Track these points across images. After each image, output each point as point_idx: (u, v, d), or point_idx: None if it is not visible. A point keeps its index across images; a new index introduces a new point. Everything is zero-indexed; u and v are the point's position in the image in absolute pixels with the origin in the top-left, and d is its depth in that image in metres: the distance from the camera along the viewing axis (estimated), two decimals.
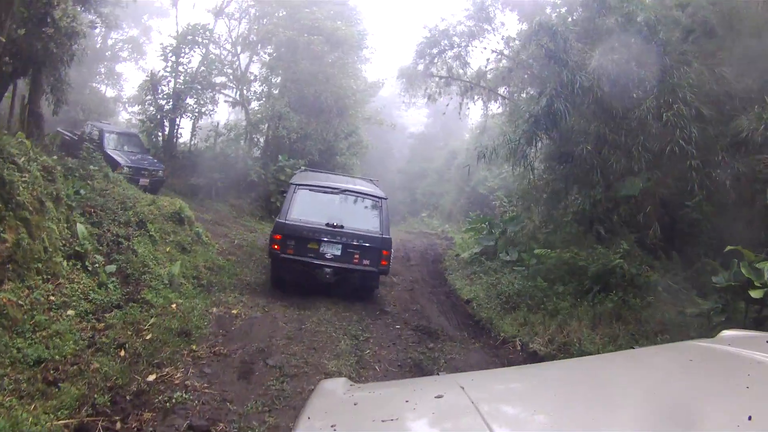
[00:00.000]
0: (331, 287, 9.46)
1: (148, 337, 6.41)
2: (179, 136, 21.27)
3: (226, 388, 5.51)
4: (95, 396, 5.01)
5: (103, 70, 35.32)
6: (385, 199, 10.11)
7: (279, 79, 20.87)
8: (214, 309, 8.16)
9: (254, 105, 21.74)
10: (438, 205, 34.61)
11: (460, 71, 15.73)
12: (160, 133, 20.67)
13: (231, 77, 22.77)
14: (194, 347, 6.48)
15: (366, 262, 9.30)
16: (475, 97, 18.08)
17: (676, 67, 8.76)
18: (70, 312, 6.56)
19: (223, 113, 28.45)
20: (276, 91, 20.83)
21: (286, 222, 9.34)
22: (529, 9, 15.40)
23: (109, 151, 16.84)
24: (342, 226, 9.31)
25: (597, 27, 10.00)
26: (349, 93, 20.69)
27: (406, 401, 1.80)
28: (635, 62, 8.96)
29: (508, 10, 16.18)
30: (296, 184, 10.02)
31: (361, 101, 22.42)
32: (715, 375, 1.94)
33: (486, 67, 15.88)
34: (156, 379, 5.55)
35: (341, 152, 21.66)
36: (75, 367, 5.46)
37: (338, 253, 9.27)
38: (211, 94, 21.13)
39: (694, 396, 1.72)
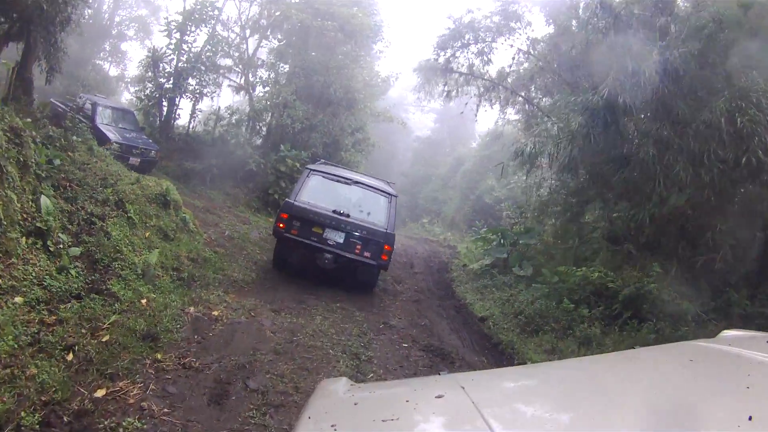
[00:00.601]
0: (329, 277, 9.44)
1: (104, 339, 5.26)
2: (177, 117, 20.11)
3: (191, 416, 4.35)
4: (22, 414, 3.89)
5: (108, 47, 34.40)
6: (395, 196, 10.10)
7: (287, 67, 19.70)
8: (192, 309, 6.99)
9: (259, 91, 20.59)
10: (440, 212, 33.68)
11: (482, 69, 14.66)
12: (157, 113, 19.51)
13: (237, 61, 21.66)
14: (160, 356, 5.29)
15: (367, 254, 9.30)
16: (493, 100, 17.05)
17: (743, 70, 7.66)
18: (18, 299, 5.44)
19: (226, 99, 27.36)
20: (283, 79, 19.65)
21: (294, 203, 9.49)
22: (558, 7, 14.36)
23: (100, 125, 15.76)
24: (348, 215, 9.41)
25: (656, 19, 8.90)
26: (360, 86, 19.56)
27: (407, 401, 1.78)
28: (700, 59, 7.88)
29: (537, 9, 15.12)
30: (311, 169, 10.29)
31: (372, 96, 21.28)
32: (715, 375, 1.92)
33: (510, 68, 14.79)
34: (106, 395, 4.40)
35: (346, 148, 20.52)
36: (7, 370, 4.35)
37: (341, 240, 9.31)
38: (215, 76, 19.97)
39: (694, 396, 1.70)
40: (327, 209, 9.43)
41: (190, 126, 19.89)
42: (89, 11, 32.13)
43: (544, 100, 15.84)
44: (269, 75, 20.31)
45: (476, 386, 1.86)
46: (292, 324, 7.13)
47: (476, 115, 16.50)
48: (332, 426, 1.58)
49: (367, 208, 9.74)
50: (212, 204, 15.20)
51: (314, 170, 10.24)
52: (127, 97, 32.48)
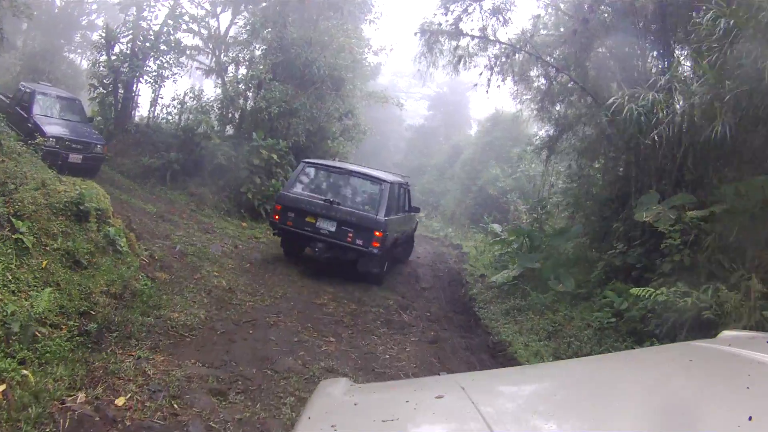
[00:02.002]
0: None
1: None
2: (137, 106, 17.27)
3: None
4: None
5: (78, 38, 31.64)
6: (389, 183, 9.91)
7: (262, 44, 16.77)
8: (81, 396, 4.27)
9: (231, 72, 17.65)
10: (438, 205, 31.14)
11: (497, 32, 11.93)
12: (113, 102, 16.65)
13: (206, 40, 18.77)
14: None
15: (359, 241, 9.23)
16: (506, 73, 14.30)
17: None
18: None
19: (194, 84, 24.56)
20: (258, 57, 16.73)
21: (287, 194, 9.77)
22: None
23: (36, 117, 13.14)
24: (338, 203, 9.43)
25: None
26: (348, 64, 16.69)
27: (407, 401, 1.75)
28: None
29: None
30: (305, 162, 10.51)
31: (362, 76, 18.42)
32: (715, 375, 1.88)
33: (537, 23, 11.95)
34: None
35: (333, 136, 17.68)
36: None
37: (333, 229, 9.34)
38: (178, 56, 17.06)
39: (694, 396, 1.69)
40: (319, 198, 9.51)
41: (151, 115, 16.98)
42: None
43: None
44: (242, 53, 17.35)
45: (476, 386, 1.85)
46: (244, 420, 4.34)
47: (488, 91, 13.68)
48: (332, 426, 1.54)
49: (359, 195, 9.80)
50: (171, 208, 12.42)
51: (308, 162, 10.47)
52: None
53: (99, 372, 4.79)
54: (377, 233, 9.16)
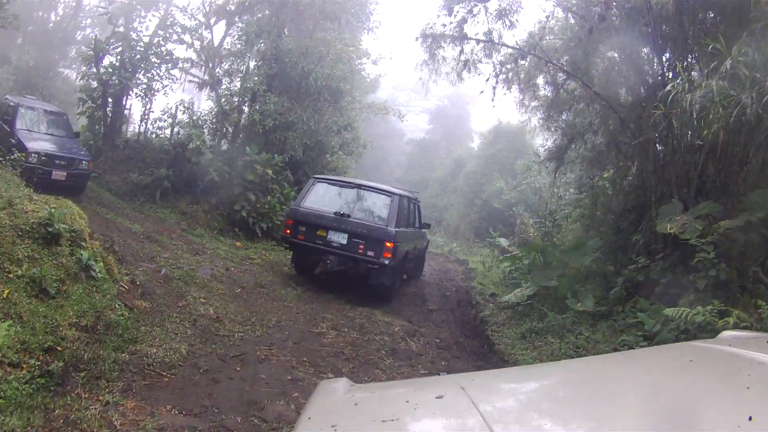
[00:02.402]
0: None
1: None
2: (127, 120, 16.60)
3: None
4: None
5: (74, 53, 31.16)
6: (398, 195, 10.05)
7: (257, 55, 16.10)
8: None
9: (226, 85, 16.93)
10: (441, 220, 30.45)
11: (504, 34, 11.29)
12: (102, 117, 15.98)
13: (199, 51, 18.10)
14: None
15: (370, 253, 9.21)
16: (511, 81, 13.68)
17: None
18: None
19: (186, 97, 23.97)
20: (253, 66, 16.06)
21: (298, 208, 9.85)
22: None
23: (19, 131, 12.50)
24: (349, 216, 9.48)
25: None
26: (346, 75, 16.01)
27: (407, 401, 1.76)
28: None
29: None
30: (315, 177, 10.71)
31: (361, 87, 17.74)
32: (715, 375, 1.88)
33: (545, 25, 11.26)
34: None
35: (332, 150, 16.97)
36: None
37: (344, 241, 9.37)
38: (169, 68, 16.39)
39: (694, 396, 1.69)
40: (329, 212, 9.58)
41: (141, 130, 16.29)
42: (42, 14, 29.26)
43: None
44: (236, 64, 16.67)
45: (476, 386, 1.83)
46: None
47: (493, 99, 13.04)
48: (332, 426, 1.54)
49: (368, 208, 9.83)
50: (160, 227, 11.70)
51: (318, 178, 10.65)
52: None
53: (59, 421, 4.09)
54: (388, 244, 9.16)
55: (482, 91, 11.58)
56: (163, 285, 7.78)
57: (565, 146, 13.78)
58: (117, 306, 6.52)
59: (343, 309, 8.46)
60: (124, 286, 7.27)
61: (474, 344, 8.08)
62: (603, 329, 7.74)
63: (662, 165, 9.90)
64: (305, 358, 6.03)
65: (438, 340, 7.89)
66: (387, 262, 9.13)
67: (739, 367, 1.81)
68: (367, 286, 9.55)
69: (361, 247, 9.23)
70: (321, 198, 9.97)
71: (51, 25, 30.27)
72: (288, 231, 9.74)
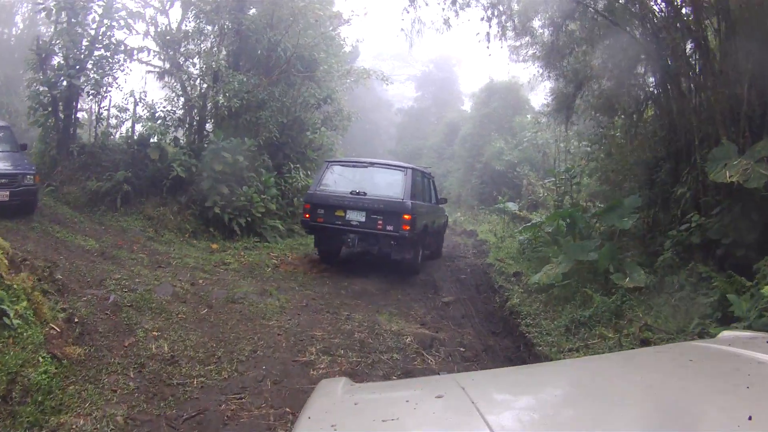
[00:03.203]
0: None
1: None
2: (82, 124, 14.86)
3: None
4: None
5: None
6: (411, 169, 10.22)
7: (216, 31, 14.27)
8: None
9: (187, 70, 15.07)
10: (441, 189, 28.80)
11: None
12: (53, 123, 14.20)
13: (156, 39, 16.23)
14: None
15: (389, 227, 9.39)
16: (505, 28, 12.15)
17: None
18: None
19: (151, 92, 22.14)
20: (211, 44, 14.24)
21: (315, 192, 10.07)
22: None
23: None
24: (365, 193, 9.68)
25: None
26: (318, 42, 14.19)
27: (407, 401, 1.73)
28: None
29: None
30: (328, 161, 10.99)
31: (339, 58, 15.85)
32: (715, 375, 1.84)
33: None
34: None
35: (314, 127, 15.21)
36: None
37: (363, 219, 9.58)
38: (123, 59, 14.58)
39: (694, 396, 1.66)
40: (345, 192, 9.78)
41: (97, 132, 14.48)
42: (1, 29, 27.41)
43: None
44: (194, 43, 14.81)
45: (476, 386, 1.79)
46: None
47: (488, 47, 11.51)
48: (332, 426, 1.51)
49: (383, 184, 9.97)
50: (119, 240, 10.06)
51: (331, 161, 10.92)
52: None
53: None
54: (406, 216, 9.33)
55: (478, 33, 10.17)
56: (109, 317, 6.17)
57: (572, 93, 12.33)
58: (41, 359, 4.92)
59: (336, 320, 6.77)
60: (55, 329, 5.65)
61: (507, 346, 6.40)
62: (665, 312, 6.14)
63: (701, 102, 8.32)
64: (289, 408, 4.41)
65: (462, 348, 6.18)
66: (407, 234, 9.31)
67: (739, 367, 1.76)
68: (390, 262, 9.82)
69: (380, 222, 9.44)
70: (336, 180, 10.16)
71: (13, 40, 28.39)
72: (307, 215, 9.90)
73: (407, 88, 47.08)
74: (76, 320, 5.94)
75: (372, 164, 10.51)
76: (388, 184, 9.95)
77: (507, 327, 7.14)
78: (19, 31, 28.46)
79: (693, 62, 8.57)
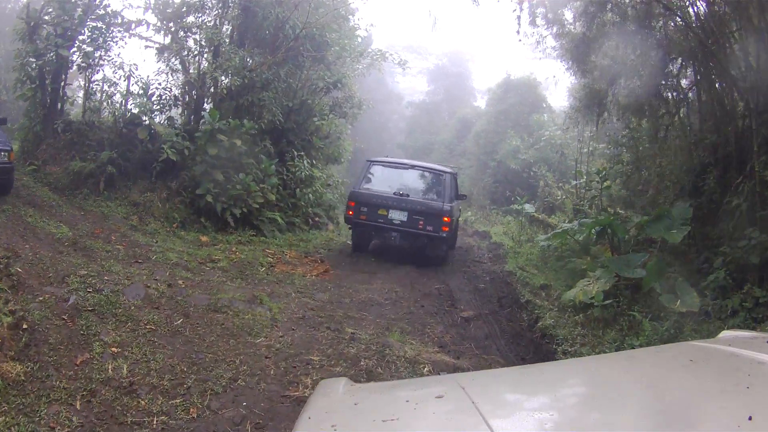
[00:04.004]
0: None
1: None
2: (65, 99, 13.78)
3: None
4: None
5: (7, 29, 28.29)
6: (450, 173, 11.23)
7: (220, 2, 13.16)
8: None
9: (189, 46, 13.98)
10: None
11: None
12: (40, 98, 13.13)
13: (157, 12, 15.14)
14: None
15: (429, 228, 10.08)
16: (535, 15, 11.48)
17: None
18: None
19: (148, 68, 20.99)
20: (213, 17, 13.12)
21: (359, 191, 10.70)
22: None
23: None
24: (408, 195, 10.37)
25: None
26: (330, 20, 13.07)
27: (407, 401, 1.71)
28: None
29: None
30: (370, 160, 11.54)
31: (351, 35, 14.74)
32: (715, 375, 1.81)
33: None
34: None
35: (321, 112, 14.09)
36: None
37: (404, 219, 10.22)
38: (120, 32, 13.50)
39: (694, 396, 1.63)
40: (389, 192, 10.45)
41: (86, 109, 13.38)
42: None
43: None
44: (195, 16, 13.71)
45: (476, 386, 1.79)
46: None
47: (518, 32, 10.89)
48: (332, 426, 1.51)
49: (424, 187, 10.80)
50: (98, 227, 9.00)
51: (374, 161, 11.46)
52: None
53: None
54: (445, 219, 10.11)
55: (514, 10, 9.26)
56: (65, 323, 5.10)
57: (605, 89, 11.46)
58: None
59: (339, 341, 5.63)
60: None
61: None
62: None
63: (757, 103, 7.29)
64: None
65: None
66: (445, 235, 10.20)
67: (739, 367, 1.74)
68: (424, 257, 10.36)
69: (421, 223, 10.11)
70: (378, 179, 10.83)
71: (7, 10, 27.31)
72: (351, 212, 10.54)
73: (419, 81, 46.19)
74: (24, 326, 4.86)
75: (413, 167, 11.22)
76: (428, 187, 10.79)
77: (539, 353, 6.02)
78: (11, 4, 27.57)
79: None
